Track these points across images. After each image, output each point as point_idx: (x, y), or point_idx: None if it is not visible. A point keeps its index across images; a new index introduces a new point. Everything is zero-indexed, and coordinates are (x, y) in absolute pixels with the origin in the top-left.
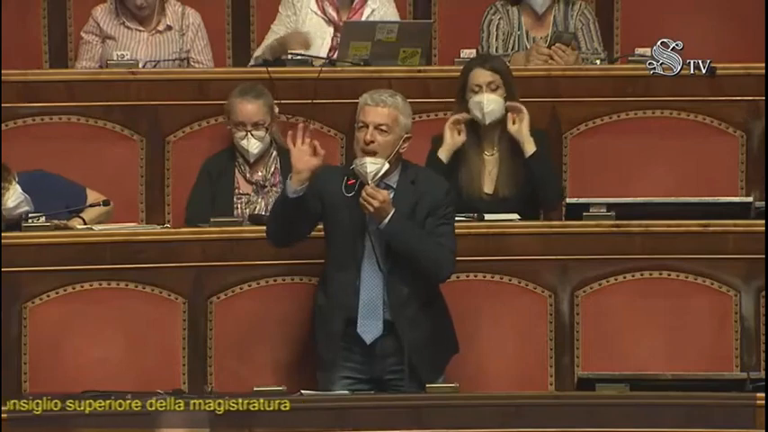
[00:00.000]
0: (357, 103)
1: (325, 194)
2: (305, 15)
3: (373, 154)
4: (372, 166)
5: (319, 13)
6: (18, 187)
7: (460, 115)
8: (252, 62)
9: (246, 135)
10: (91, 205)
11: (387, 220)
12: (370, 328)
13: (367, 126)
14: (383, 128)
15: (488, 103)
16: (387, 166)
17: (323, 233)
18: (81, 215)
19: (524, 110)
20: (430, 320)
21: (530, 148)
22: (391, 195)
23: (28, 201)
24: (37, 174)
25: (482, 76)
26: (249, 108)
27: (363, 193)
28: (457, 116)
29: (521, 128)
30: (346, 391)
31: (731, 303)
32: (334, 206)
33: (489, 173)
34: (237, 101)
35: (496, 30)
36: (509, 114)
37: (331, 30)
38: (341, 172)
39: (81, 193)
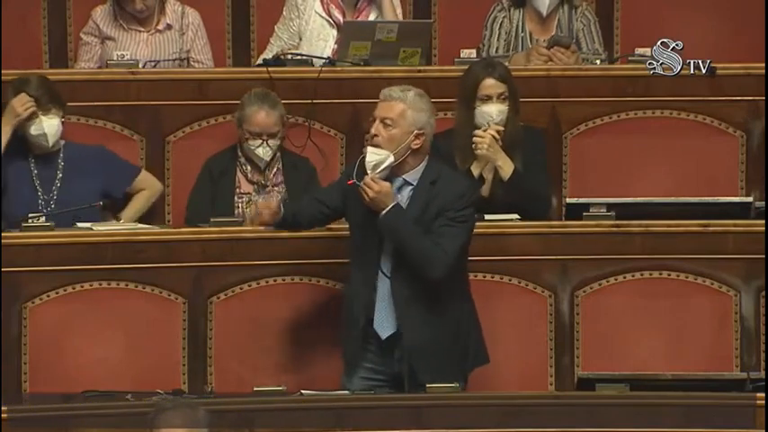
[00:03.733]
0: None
1: (348, 192)
2: (309, 17)
3: (377, 147)
4: (372, 156)
5: (324, 15)
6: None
7: (494, 131)
8: (259, 62)
9: (262, 144)
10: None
11: (384, 212)
12: (383, 323)
13: (375, 120)
14: (387, 122)
15: (498, 114)
16: (391, 158)
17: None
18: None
19: (484, 142)
20: (439, 325)
21: (504, 173)
22: (410, 192)
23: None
24: (98, 149)
25: (492, 86)
26: (267, 119)
27: (362, 183)
28: (493, 132)
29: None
30: (347, 391)
31: (731, 303)
32: (353, 204)
33: (489, 177)
34: (254, 110)
35: (499, 29)
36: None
37: (334, 32)
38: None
39: (130, 174)
